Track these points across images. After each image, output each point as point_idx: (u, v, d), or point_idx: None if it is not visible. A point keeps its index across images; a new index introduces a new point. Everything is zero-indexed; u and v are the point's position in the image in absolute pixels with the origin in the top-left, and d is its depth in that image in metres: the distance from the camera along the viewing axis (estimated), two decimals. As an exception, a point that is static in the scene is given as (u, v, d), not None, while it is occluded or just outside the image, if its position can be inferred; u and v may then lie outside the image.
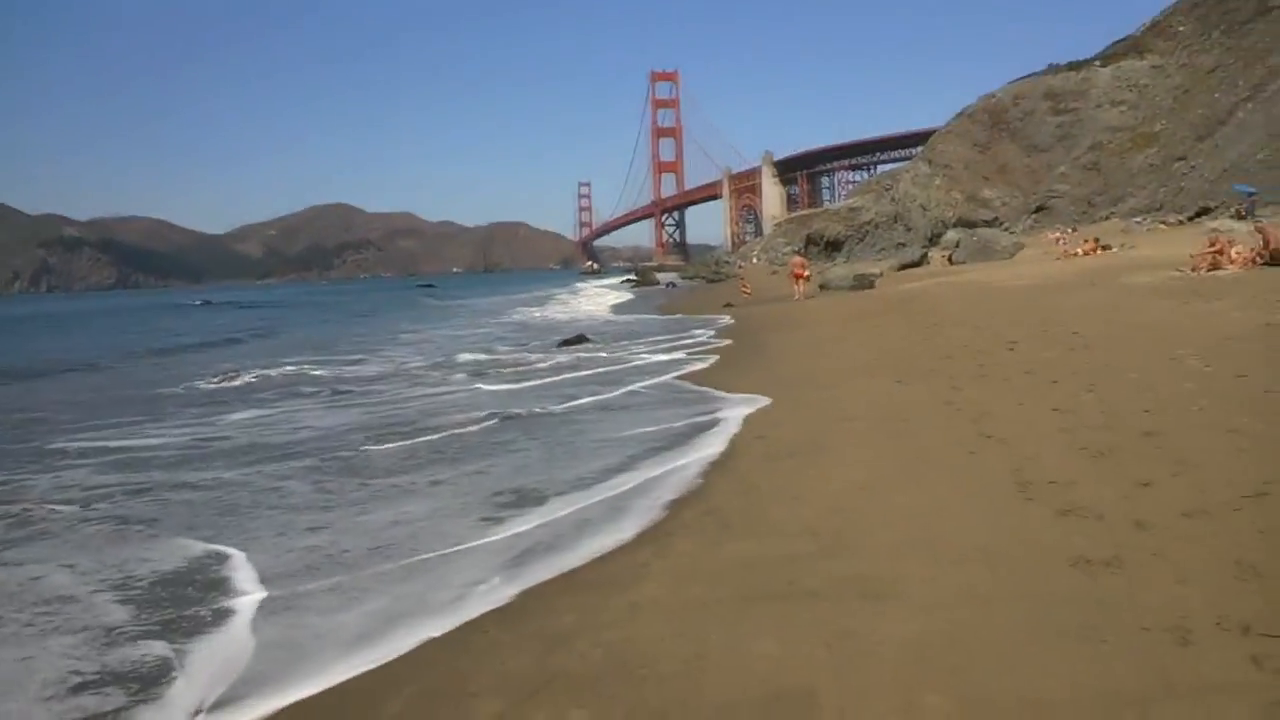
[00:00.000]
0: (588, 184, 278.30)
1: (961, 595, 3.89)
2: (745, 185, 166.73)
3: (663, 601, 4.42)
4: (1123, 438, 5.92)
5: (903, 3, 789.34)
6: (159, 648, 4.49)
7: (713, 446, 8.11)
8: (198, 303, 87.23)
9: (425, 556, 5.63)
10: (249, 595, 5.20)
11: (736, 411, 9.68)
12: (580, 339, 22.45)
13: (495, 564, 5.42)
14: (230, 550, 6.07)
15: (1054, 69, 59.31)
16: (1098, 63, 56.12)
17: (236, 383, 17.41)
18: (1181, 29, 51.92)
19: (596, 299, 53.78)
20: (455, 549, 5.76)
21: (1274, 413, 5.80)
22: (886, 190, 65.04)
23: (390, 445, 9.58)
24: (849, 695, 3.19)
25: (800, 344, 15.83)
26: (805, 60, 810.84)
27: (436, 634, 4.44)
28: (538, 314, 41.13)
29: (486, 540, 5.90)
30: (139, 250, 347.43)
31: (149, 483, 8.46)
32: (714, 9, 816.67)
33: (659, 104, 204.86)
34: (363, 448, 9.58)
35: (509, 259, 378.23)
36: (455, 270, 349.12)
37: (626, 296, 54.93)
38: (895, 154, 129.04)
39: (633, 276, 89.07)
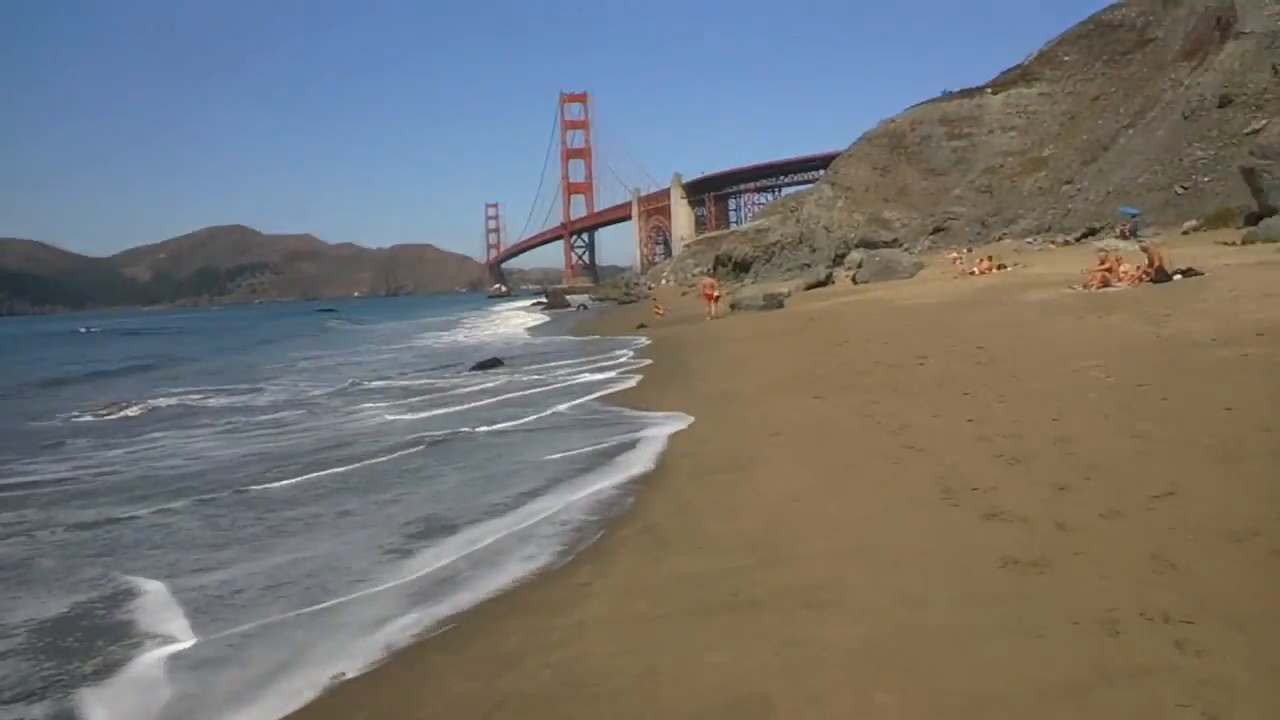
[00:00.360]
0: (496, 205, 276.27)
1: (900, 599, 4.00)
2: (655, 207, 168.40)
3: (608, 619, 4.40)
4: (1036, 445, 6.21)
5: (807, 29, 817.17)
6: (36, 710, 4.12)
7: (642, 465, 8.13)
8: (82, 330, 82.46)
9: (338, 600, 5.29)
10: (138, 644, 4.81)
11: (662, 430, 9.72)
12: (495, 362, 22.07)
13: (413, 593, 5.26)
14: (114, 594, 5.67)
15: (948, 95, 62.32)
16: (989, 90, 59.37)
17: (121, 415, 16.53)
18: (1067, 59, 55.46)
19: (508, 321, 53.39)
20: (365, 589, 5.43)
21: (1172, 419, 6.18)
22: (792, 212, 67.03)
23: (292, 480, 9.03)
24: (802, 700, 3.24)
25: (718, 362, 16.03)
26: (714, 84, 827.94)
27: (358, 668, 4.27)
28: (448, 338, 40.48)
29: (411, 576, 5.63)
30: (17, 274, 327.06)
31: (23, 522, 7.91)
32: (624, 32, 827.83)
33: (569, 125, 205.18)
34: (261, 480, 9.07)
35: (414, 282, 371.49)
36: (357, 294, 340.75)
37: (539, 319, 54.70)
38: (800, 176, 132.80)
39: (543, 299, 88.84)
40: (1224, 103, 30.77)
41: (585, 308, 65.22)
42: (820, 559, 4.72)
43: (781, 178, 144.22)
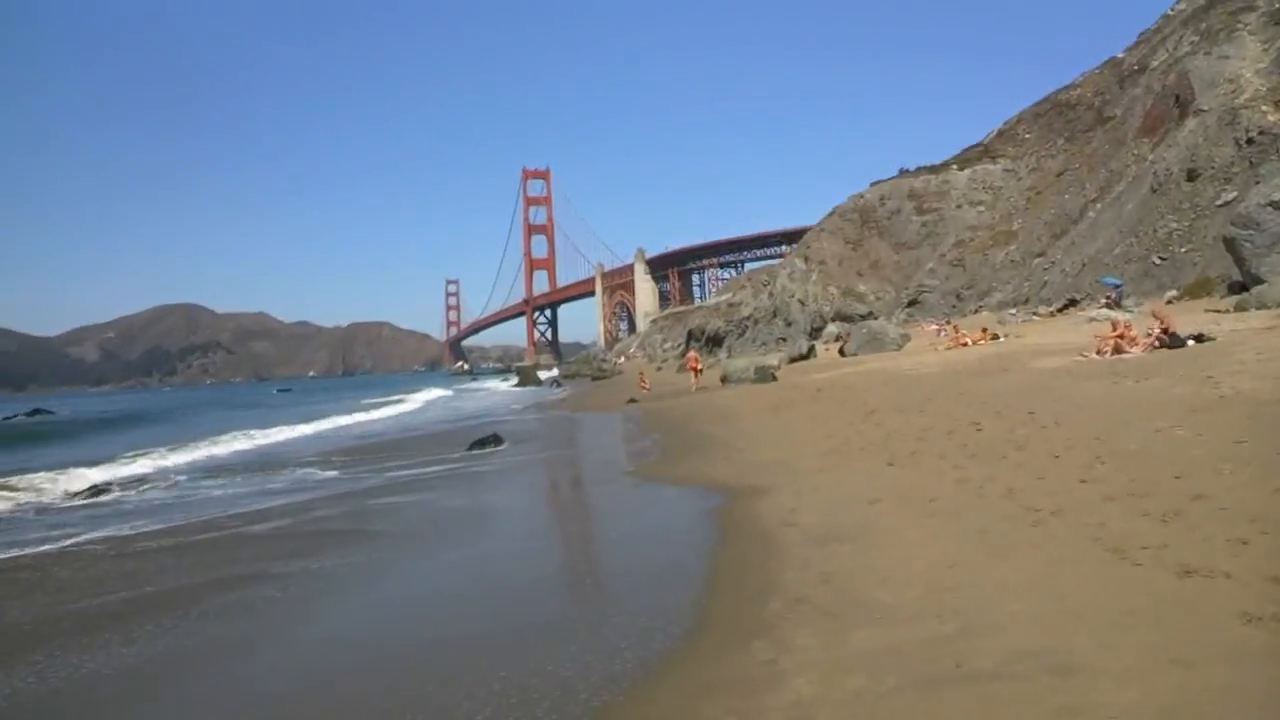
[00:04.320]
0: (456, 282, 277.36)
1: (1155, 661, 3.84)
2: (618, 282, 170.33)
3: (830, 698, 4.14)
4: (1175, 502, 6.11)
5: (764, 109, 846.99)
6: None
7: (741, 537, 7.88)
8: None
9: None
10: None
11: (736, 502, 9.49)
12: (494, 439, 21.42)
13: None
14: None
15: (910, 172, 64.54)
16: (954, 166, 61.59)
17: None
18: (1028, 136, 58.05)
19: (483, 399, 52.79)
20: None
21: (1307, 473, 6.16)
22: (764, 286, 67.95)
23: None
24: (1135, 774, 3.04)
25: (746, 434, 15.87)
26: (675, 161, 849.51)
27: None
28: (435, 415, 39.74)
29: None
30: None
31: None
32: (586, 110, 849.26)
33: (531, 201, 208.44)
34: None
35: (371, 361, 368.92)
36: (312, 374, 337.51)
37: (516, 393, 54.23)
38: (763, 252, 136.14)
39: (512, 376, 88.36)
40: (1192, 176, 32.18)
41: (558, 384, 64.75)
42: (1028, 624, 4.54)
43: (744, 253, 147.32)
